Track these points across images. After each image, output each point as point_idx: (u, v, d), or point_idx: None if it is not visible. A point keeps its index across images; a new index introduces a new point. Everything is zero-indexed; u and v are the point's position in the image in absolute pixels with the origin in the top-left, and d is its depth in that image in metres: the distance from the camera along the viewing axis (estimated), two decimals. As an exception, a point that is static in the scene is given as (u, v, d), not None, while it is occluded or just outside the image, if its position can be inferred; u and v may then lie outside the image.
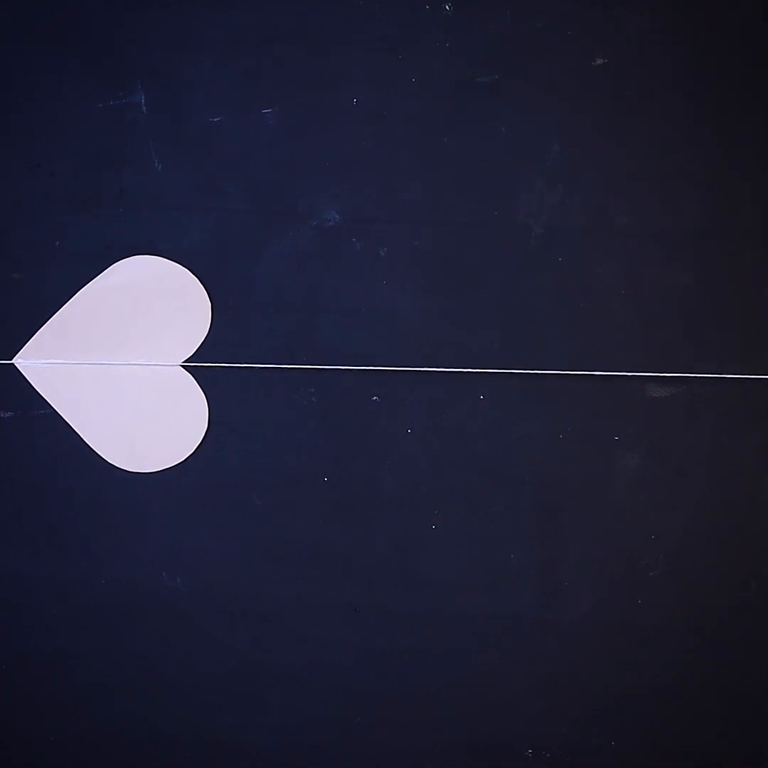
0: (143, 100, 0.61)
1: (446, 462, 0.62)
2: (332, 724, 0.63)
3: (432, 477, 0.62)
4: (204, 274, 0.61)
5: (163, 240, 0.61)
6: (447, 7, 0.61)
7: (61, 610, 0.63)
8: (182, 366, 0.61)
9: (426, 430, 0.62)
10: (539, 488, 0.62)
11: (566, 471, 0.62)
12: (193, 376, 0.61)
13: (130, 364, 0.60)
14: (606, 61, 0.61)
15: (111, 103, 0.61)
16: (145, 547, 0.62)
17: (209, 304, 0.61)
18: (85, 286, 0.61)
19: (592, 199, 0.61)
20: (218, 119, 0.61)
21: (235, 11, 0.61)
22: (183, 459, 0.61)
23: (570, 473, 0.62)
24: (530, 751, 0.63)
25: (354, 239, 0.61)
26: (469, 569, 0.62)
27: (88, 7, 0.60)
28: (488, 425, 0.62)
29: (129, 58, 0.61)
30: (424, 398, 0.61)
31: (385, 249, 0.61)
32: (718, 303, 0.61)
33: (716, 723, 0.63)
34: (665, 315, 0.61)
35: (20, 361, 0.60)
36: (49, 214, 0.61)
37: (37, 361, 0.60)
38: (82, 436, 0.61)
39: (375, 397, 0.61)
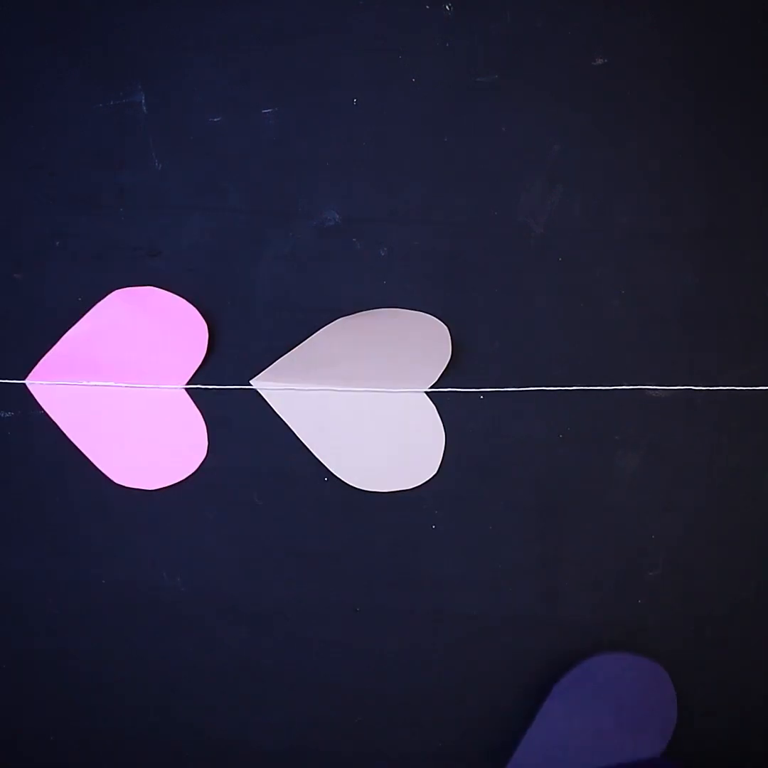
0: (143, 100, 0.61)
1: (446, 462, 0.62)
2: (332, 724, 0.63)
3: (432, 477, 0.62)
4: (204, 274, 0.61)
5: (163, 240, 0.61)
6: (447, 7, 0.60)
7: (61, 610, 0.63)
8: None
9: (426, 430, 0.62)
10: (539, 488, 0.62)
11: (566, 471, 0.62)
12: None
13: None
14: (606, 61, 0.61)
15: (111, 103, 0.61)
16: (145, 547, 0.62)
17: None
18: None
19: (592, 199, 0.61)
20: (218, 119, 0.61)
21: (235, 11, 0.60)
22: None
23: (570, 473, 0.62)
24: (530, 751, 0.63)
25: (354, 239, 0.61)
26: (469, 569, 0.62)
27: (88, 7, 0.60)
28: (488, 425, 0.62)
29: (129, 58, 0.61)
30: (424, 398, 0.61)
31: (385, 249, 0.61)
32: (720, 303, 0.61)
33: (716, 723, 0.63)
34: (666, 315, 0.61)
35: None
36: (49, 214, 0.61)
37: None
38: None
39: (375, 397, 0.61)
